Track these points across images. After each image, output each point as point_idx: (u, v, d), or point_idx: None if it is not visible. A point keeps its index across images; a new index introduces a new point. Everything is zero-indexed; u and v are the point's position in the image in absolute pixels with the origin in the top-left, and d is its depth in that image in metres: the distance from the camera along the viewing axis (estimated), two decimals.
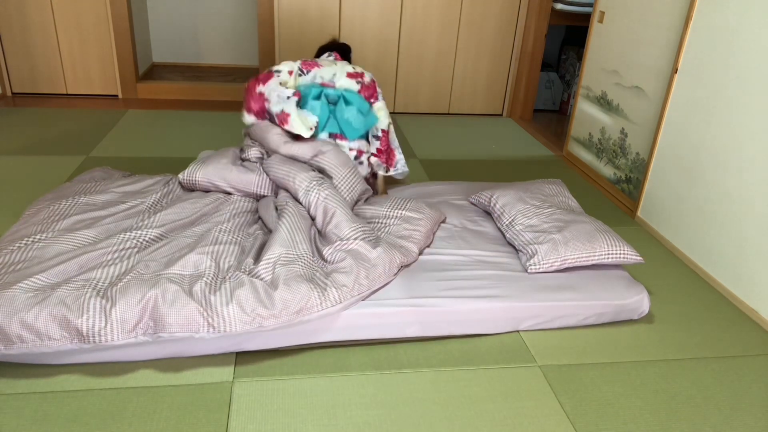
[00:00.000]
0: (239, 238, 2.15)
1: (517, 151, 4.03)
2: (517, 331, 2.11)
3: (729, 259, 2.44)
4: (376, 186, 2.82)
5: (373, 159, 2.73)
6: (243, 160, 2.62)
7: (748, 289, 2.34)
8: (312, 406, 1.71)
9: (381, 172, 2.79)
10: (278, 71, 2.66)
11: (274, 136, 2.58)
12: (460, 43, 4.56)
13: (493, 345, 2.03)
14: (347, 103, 2.64)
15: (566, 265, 2.20)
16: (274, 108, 2.58)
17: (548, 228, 2.31)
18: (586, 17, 4.43)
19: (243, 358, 1.89)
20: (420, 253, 2.27)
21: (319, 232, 2.22)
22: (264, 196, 2.48)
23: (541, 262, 2.19)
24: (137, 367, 1.81)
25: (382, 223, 2.34)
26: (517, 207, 2.47)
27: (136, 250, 2.04)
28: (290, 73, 2.68)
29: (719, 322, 2.26)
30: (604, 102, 3.47)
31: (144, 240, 2.10)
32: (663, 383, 1.91)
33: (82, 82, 4.48)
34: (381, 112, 2.75)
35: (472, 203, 2.75)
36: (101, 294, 1.75)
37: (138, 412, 1.65)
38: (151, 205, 2.37)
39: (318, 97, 2.62)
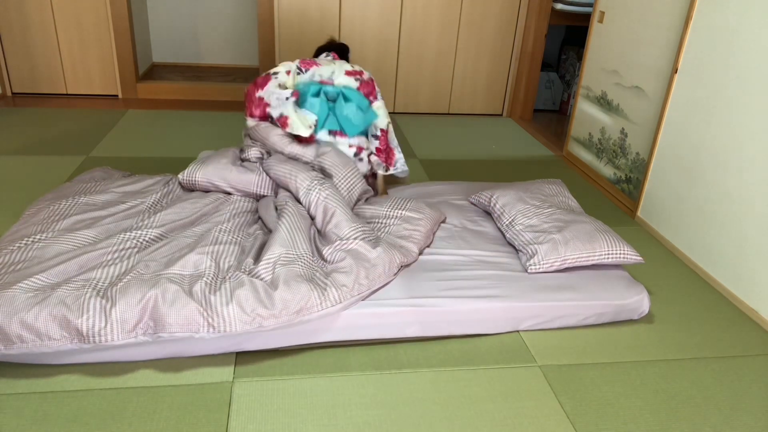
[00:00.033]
0: (239, 238, 2.15)
1: (517, 151, 4.03)
2: (517, 331, 2.11)
3: (729, 259, 2.44)
4: (376, 186, 2.82)
5: (373, 158, 2.73)
6: (243, 160, 2.62)
7: (748, 289, 2.34)
8: (312, 406, 1.71)
9: (381, 172, 2.79)
10: (275, 73, 2.67)
11: (277, 137, 2.58)
12: (460, 43, 4.56)
13: (493, 345, 2.03)
14: (346, 99, 2.64)
15: (566, 265, 2.20)
16: (274, 112, 2.60)
17: (548, 228, 2.31)
18: (586, 17, 4.43)
19: (243, 358, 1.89)
20: (420, 253, 2.27)
21: (319, 231, 2.23)
22: (264, 196, 2.48)
23: (541, 262, 2.19)
24: (137, 367, 1.81)
25: (382, 223, 2.34)
26: (517, 207, 2.47)
27: (136, 250, 2.04)
28: (288, 72, 2.69)
29: (719, 322, 2.26)
30: (604, 102, 3.47)
31: (144, 240, 2.10)
32: (663, 383, 1.91)
33: (82, 82, 4.48)
34: (380, 111, 2.76)
35: (472, 203, 2.75)
36: (101, 294, 1.75)
37: (138, 412, 1.65)
38: (151, 205, 2.37)
39: (317, 95, 2.62)
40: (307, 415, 1.68)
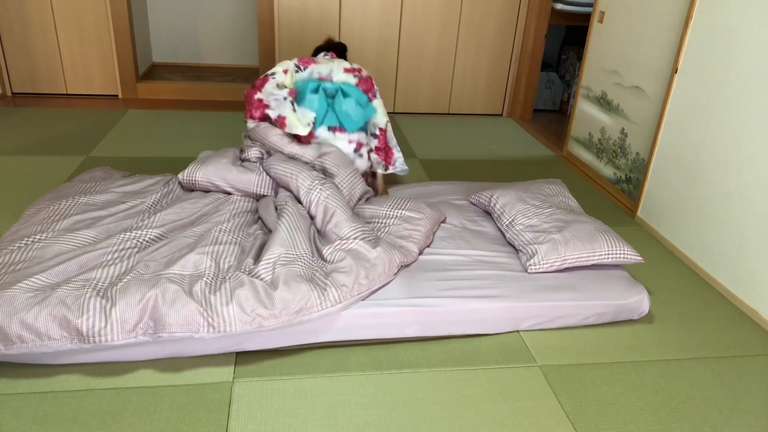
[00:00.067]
0: (239, 238, 2.15)
1: (517, 151, 4.03)
2: (517, 331, 2.11)
3: (729, 259, 2.44)
4: (376, 185, 2.82)
5: (373, 155, 2.74)
6: (243, 160, 2.62)
7: (748, 289, 2.34)
8: (312, 406, 1.71)
9: (380, 171, 2.79)
10: (273, 74, 2.68)
11: (276, 137, 2.58)
12: (460, 43, 4.56)
13: (493, 345, 2.03)
14: (345, 95, 2.64)
15: (566, 265, 2.20)
16: (272, 114, 2.61)
17: (548, 228, 2.31)
18: (586, 17, 4.43)
19: (243, 358, 1.89)
20: (420, 253, 2.27)
21: (319, 231, 2.23)
22: (264, 196, 2.48)
23: (541, 262, 2.19)
24: (137, 367, 1.81)
25: (382, 222, 2.34)
26: (517, 207, 2.47)
27: (136, 250, 2.04)
28: (285, 72, 2.69)
29: (719, 322, 2.26)
30: (604, 102, 3.47)
31: (144, 240, 2.10)
32: (663, 383, 1.91)
33: (82, 82, 4.48)
34: (378, 109, 2.76)
35: (472, 203, 2.75)
36: (101, 294, 1.75)
37: (138, 412, 1.65)
38: (151, 205, 2.37)
39: (315, 91, 2.63)
40: (307, 415, 1.68)
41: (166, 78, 4.85)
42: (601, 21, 3.51)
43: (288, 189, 2.39)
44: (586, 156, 3.69)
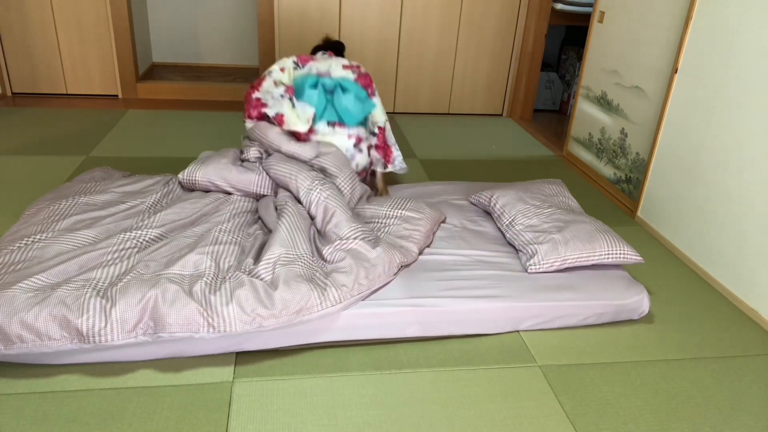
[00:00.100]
0: (239, 238, 2.15)
1: (517, 151, 4.03)
2: (517, 331, 2.11)
3: (729, 259, 2.44)
4: (375, 184, 2.82)
5: (373, 152, 2.74)
6: (243, 161, 2.62)
7: (748, 289, 2.34)
8: (312, 406, 1.71)
9: (379, 169, 2.80)
10: (270, 72, 2.69)
11: (276, 135, 2.58)
12: (460, 43, 4.56)
13: (493, 345, 2.03)
14: (344, 90, 2.64)
15: (566, 265, 2.20)
16: (270, 112, 2.61)
17: (548, 228, 2.31)
18: (586, 17, 4.43)
19: (243, 358, 1.89)
20: (420, 253, 2.27)
21: (319, 231, 2.23)
22: (264, 196, 2.48)
23: (541, 262, 2.19)
24: (137, 367, 1.81)
25: (382, 222, 2.34)
26: (517, 207, 2.47)
27: (136, 250, 2.04)
28: (282, 70, 2.70)
29: (719, 322, 2.26)
30: (604, 102, 3.47)
31: (144, 240, 2.10)
32: (663, 383, 1.91)
33: (82, 82, 4.48)
34: (378, 108, 2.77)
35: (472, 203, 2.75)
36: (101, 294, 1.75)
37: (138, 412, 1.65)
38: (151, 205, 2.37)
39: (315, 86, 2.63)
40: (307, 415, 1.68)
41: (166, 78, 4.85)
42: (601, 21, 3.51)
43: (287, 189, 2.39)
44: (586, 156, 3.69)
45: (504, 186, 2.72)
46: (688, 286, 2.50)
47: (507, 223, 2.43)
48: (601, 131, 3.50)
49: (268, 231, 2.23)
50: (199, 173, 2.47)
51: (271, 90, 2.64)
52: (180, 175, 2.50)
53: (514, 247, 2.38)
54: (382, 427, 1.65)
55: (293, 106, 2.60)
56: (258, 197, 2.49)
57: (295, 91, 2.64)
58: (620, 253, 2.23)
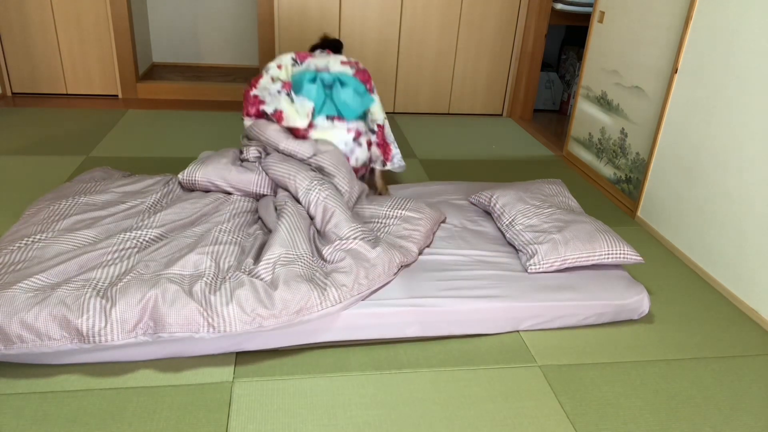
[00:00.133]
0: (239, 238, 2.15)
1: (517, 151, 4.03)
2: (517, 331, 2.11)
3: (729, 259, 2.44)
4: (374, 182, 2.83)
5: (374, 149, 2.74)
6: (242, 161, 2.62)
7: (748, 289, 2.34)
8: (312, 406, 1.71)
9: (378, 167, 2.80)
10: (267, 69, 2.70)
11: (274, 132, 2.58)
12: (460, 43, 4.56)
13: (493, 345, 2.03)
14: (343, 84, 2.64)
15: (566, 265, 2.20)
16: (269, 109, 2.61)
17: (548, 228, 2.31)
18: (586, 17, 4.43)
19: (243, 358, 1.89)
20: (420, 253, 2.27)
21: (318, 231, 2.23)
22: (264, 196, 2.48)
23: (541, 262, 2.19)
24: (137, 367, 1.81)
25: (381, 222, 2.34)
26: (517, 207, 2.47)
27: (136, 250, 2.04)
28: (279, 67, 2.71)
29: (719, 322, 2.26)
30: (604, 102, 3.47)
31: (144, 240, 2.10)
32: (663, 383, 1.91)
33: (82, 82, 4.48)
34: (376, 105, 2.77)
35: (472, 203, 2.75)
36: (101, 294, 1.75)
37: (138, 412, 1.65)
38: (151, 205, 2.37)
39: (313, 81, 2.63)
40: (307, 415, 1.68)
41: (166, 78, 4.85)
42: (601, 21, 3.51)
43: (286, 189, 2.39)
44: (586, 156, 3.69)
45: (504, 186, 2.72)
46: (688, 286, 2.50)
47: (507, 223, 2.43)
48: (601, 131, 3.50)
49: (268, 231, 2.23)
50: (199, 173, 2.47)
51: (269, 87, 2.65)
52: (180, 175, 2.50)
53: (514, 247, 2.38)
54: (382, 427, 1.65)
55: (292, 101, 2.60)
56: (258, 197, 2.49)
57: (294, 87, 2.65)
58: (620, 253, 2.23)
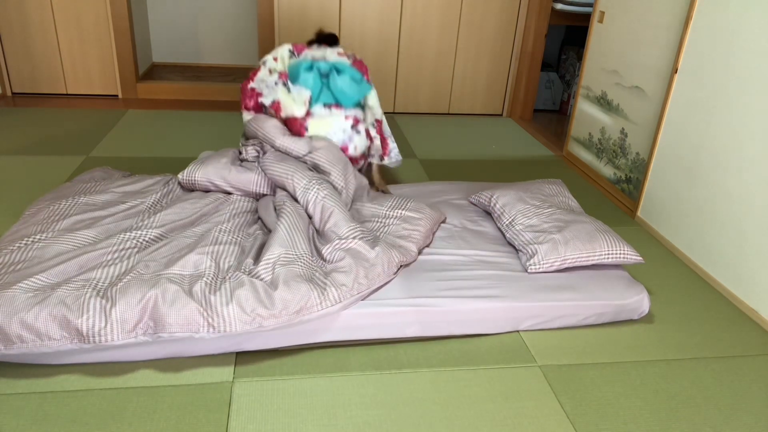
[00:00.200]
0: (239, 239, 2.15)
1: (517, 151, 4.03)
2: (517, 331, 2.11)
3: (729, 259, 2.44)
4: (371, 176, 2.84)
5: (375, 143, 2.75)
6: (242, 161, 2.62)
7: (748, 289, 2.34)
8: (312, 406, 1.71)
9: (375, 162, 2.80)
10: (264, 61, 2.72)
11: (271, 128, 2.59)
12: (460, 43, 4.56)
13: (493, 345, 2.03)
14: (339, 72, 2.65)
15: (566, 265, 2.20)
16: (266, 100, 2.62)
17: (548, 228, 2.31)
18: (586, 17, 4.43)
19: (243, 358, 1.89)
20: (419, 253, 2.27)
21: (317, 230, 2.23)
22: (263, 195, 2.48)
23: (541, 262, 2.19)
24: (137, 367, 1.81)
25: (381, 222, 2.34)
26: (517, 207, 2.47)
27: (136, 250, 2.04)
28: (276, 59, 2.72)
29: (719, 322, 2.26)
30: (604, 102, 3.47)
31: (144, 240, 2.10)
32: (663, 383, 1.91)
33: (82, 82, 4.48)
34: (373, 100, 2.79)
35: (472, 203, 2.75)
36: (101, 294, 1.75)
37: (138, 412, 1.65)
38: (151, 205, 2.37)
39: (310, 69, 2.63)
40: (307, 415, 1.68)
41: (166, 78, 4.85)
42: (601, 21, 3.51)
43: (285, 189, 2.39)
44: (586, 156, 3.69)
45: (504, 186, 2.72)
46: (688, 286, 2.50)
47: (507, 223, 2.43)
48: (601, 131, 3.50)
49: (268, 231, 2.23)
50: (199, 173, 2.47)
51: (266, 79, 2.67)
52: (180, 175, 2.50)
53: (514, 247, 2.38)
54: (382, 427, 1.65)
55: (288, 91, 2.61)
56: (258, 197, 2.49)
57: (290, 76, 2.65)
58: (620, 253, 2.23)
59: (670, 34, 2.87)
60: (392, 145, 2.86)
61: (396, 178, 3.32)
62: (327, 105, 2.64)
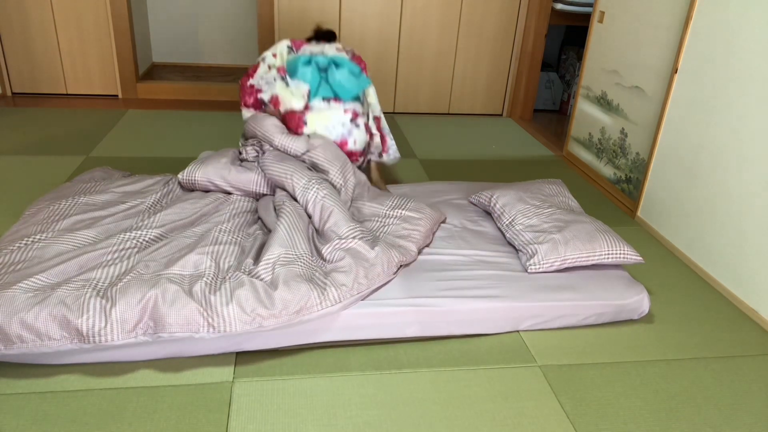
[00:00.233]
0: (239, 239, 2.15)
1: (517, 151, 4.03)
2: (517, 331, 2.11)
3: (729, 259, 2.44)
4: (369, 173, 2.84)
5: (376, 140, 2.76)
6: (242, 161, 2.62)
7: (748, 289, 2.34)
8: (312, 406, 1.71)
9: (374, 158, 2.81)
10: (263, 58, 2.73)
11: (270, 126, 2.59)
12: (460, 43, 4.56)
13: (493, 345, 2.03)
14: (337, 65, 2.65)
15: (566, 265, 2.20)
16: (265, 96, 2.63)
17: (548, 228, 2.31)
18: (586, 17, 4.43)
19: (243, 358, 1.89)
20: (419, 253, 2.27)
21: (317, 230, 2.23)
22: (263, 195, 2.48)
23: (541, 262, 2.19)
24: (137, 367, 1.81)
25: (381, 222, 2.34)
26: (517, 207, 2.47)
27: (136, 250, 2.04)
28: (275, 55, 2.73)
29: (719, 322, 2.26)
30: (604, 102, 3.47)
31: (144, 240, 2.10)
32: (663, 383, 1.91)
33: (82, 82, 4.48)
34: (373, 97, 2.79)
35: (472, 203, 2.75)
36: (101, 294, 1.75)
37: (138, 412, 1.65)
38: (151, 205, 2.37)
39: (308, 63, 2.64)
40: (307, 415, 1.68)
41: (166, 78, 4.85)
42: (601, 21, 3.51)
43: (284, 189, 2.39)
44: (586, 156, 3.69)
45: (504, 186, 2.72)
46: (688, 286, 2.50)
47: (507, 223, 2.43)
48: (601, 131, 3.50)
49: (268, 231, 2.23)
50: (199, 173, 2.47)
51: (265, 75, 2.68)
52: (180, 175, 2.50)
53: (514, 247, 2.38)
54: (382, 427, 1.65)
55: (287, 85, 2.62)
56: (258, 196, 2.49)
57: (288, 70, 2.66)
58: (620, 253, 2.23)
59: (670, 34, 2.87)
60: (390, 141, 2.87)
61: (396, 178, 3.32)
62: (326, 99, 2.64)
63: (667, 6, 2.89)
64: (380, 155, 2.83)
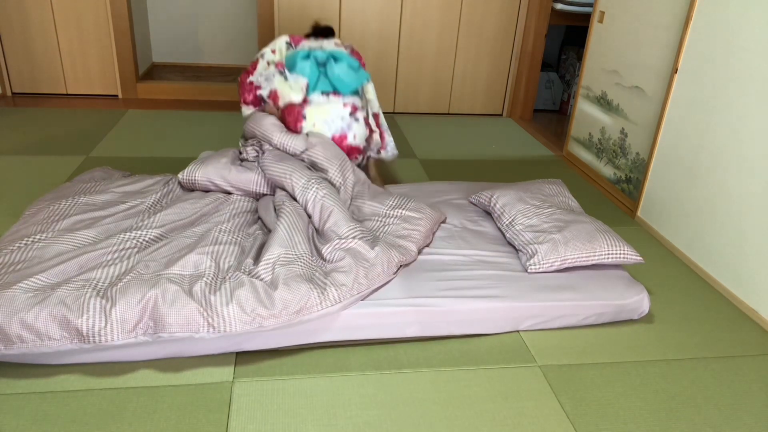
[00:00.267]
0: (239, 239, 2.15)
1: (517, 151, 4.03)
2: (517, 331, 2.11)
3: (729, 259, 2.44)
4: (368, 170, 2.85)
5: (375, 137, 2.76)
6: (242, 161, 2.62)
7: (748, 289, 2.34)
8: (312, 406, 1.71)
9: (373, 155, 2.81)
10: (262, 54, 2.74)
11: (269, 125, 2.59)
12: (460, 43, 4.56)
13: (493, 345, 2.03)
14: (336, 60, 2.65)
15: (566, 265, 2.20)
16: (264, 92, 2.63)
17: (548, 228, 2.31)
18: (586, 17, 4.43)
19: (243, 358, 1.89)
20: (419, 252, 2.27)
21: (317, 230, 2.23)
22: (263, 194, 2.48)
23: (541, 262, 2.19)
24: (137, 367, 1.81)
25: (381, 222, 2.34)
26: (517, 207, 2.47)
27: (136, 250, 2.04)
28: (274, 51, 2.74)
29: (719, 322, 2.26)
30: (604, 102, 3.47)
31: (144, 240, 2.10)
32: (663, 383, 1.91)
33: (82, 82, 4.48)
34: (372, 94, 2.80)
35: (472, 203, 2.75)
36: (101, 294, 1.75)
37: (138, 412, 1.65)
38: (151, 205, 2.37)
39: (307, 57, 2.64)
40: (307, 415, 1.68)
41: (166, 78, 4.85)
42: (601, 21, 3.51)
43: (284, 189, 2.39)
44: (586, 156, 3.69)
45: (504, 186, 2.72)
46: (688, 286, 2.50)
47: (507, 223, 2.43)
48: (601, 131, 3.50)
49: (268, 231, 2.23)
50: (199, 173, 2.47)
51: (264, 72, 2.69)
52: (180, 175, 2.50)
53: (514, 247, 2.38)
54: (382, 427, 1.65)
55: (285, 79, 2.62)
56: (258, 196, 2.50)
57: (287, 65, 2.67)
58: (620, 253, 2.23)
59: (670, 34, 2.87)
60: (388, 138, 2.88)
61: (396, 177, 3.32)
62: (325, 93, 2.64)
63: (667, 6, 2.89)
64: (378, 152, 2.84)
